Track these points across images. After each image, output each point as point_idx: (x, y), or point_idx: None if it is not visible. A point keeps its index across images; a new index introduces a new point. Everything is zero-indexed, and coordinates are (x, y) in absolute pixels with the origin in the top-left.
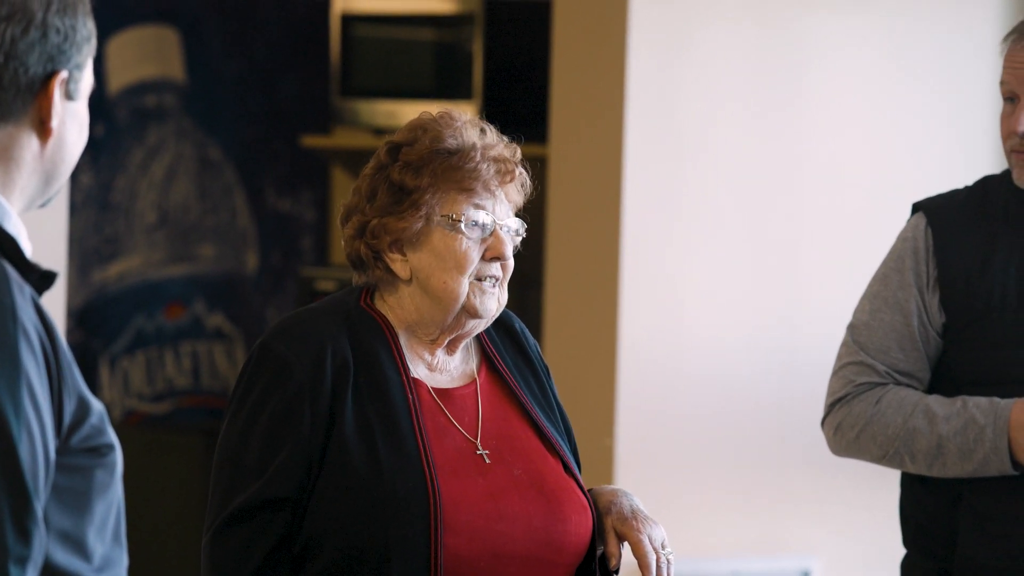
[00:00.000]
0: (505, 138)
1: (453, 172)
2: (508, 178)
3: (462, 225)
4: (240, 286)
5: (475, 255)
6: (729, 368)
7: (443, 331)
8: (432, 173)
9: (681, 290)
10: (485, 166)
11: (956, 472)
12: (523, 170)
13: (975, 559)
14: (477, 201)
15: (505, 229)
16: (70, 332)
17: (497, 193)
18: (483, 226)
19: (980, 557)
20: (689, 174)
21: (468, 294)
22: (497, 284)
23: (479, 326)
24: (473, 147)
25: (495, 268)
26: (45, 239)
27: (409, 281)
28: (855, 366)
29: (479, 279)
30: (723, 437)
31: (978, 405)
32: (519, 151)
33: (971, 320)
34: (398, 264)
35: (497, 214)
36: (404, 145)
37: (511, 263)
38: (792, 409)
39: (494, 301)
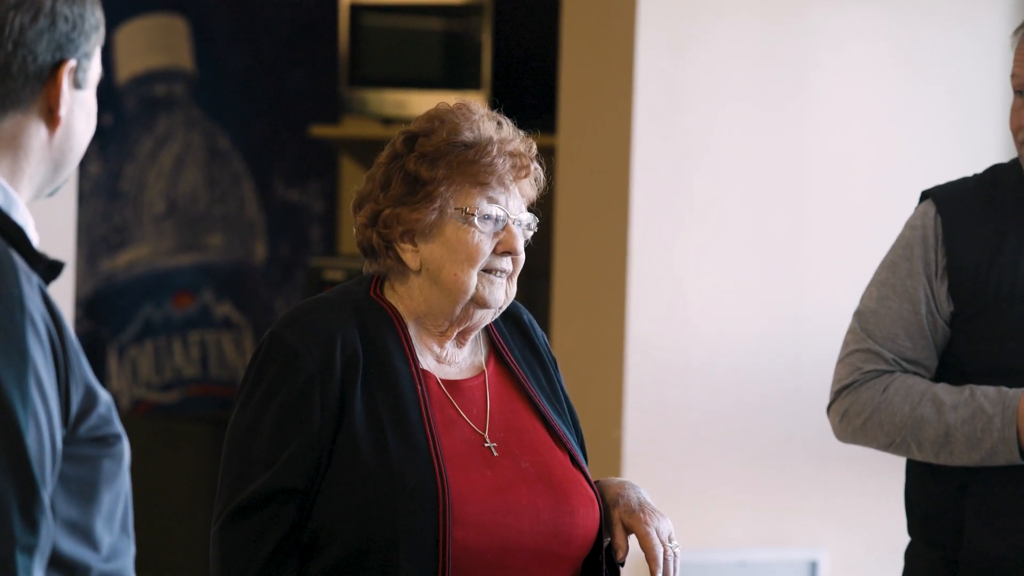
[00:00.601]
0: (521, 132)
1: (469, 165)
2: (523, 173)
3: (475, 218)
4: (248, 276)
5: (487, 248)
6: (736, 360)
7: (452, 323)
8: (448, 165)
9: (689, 282)
10: (501, 160)
11: (963, 461)
12: (538, 165)
13: (982, 550)
14: (491, 195)
15: (517, 223)
16: (78, 321)
17: (511, 187)
18: (496, 220)
19: (987, 548)
20: (697, 165)
21: (477, 285)
22: (506, 276)
23: (487, 317)
24: (490, 141)
25: (505, 262)
26: (53, 228)
27: (419, 272)
28: (862, 353)
29: (487, 271)
30: (730, 429)
31: (986, 394)
32: (535, 146)
33: (980, 309)
34: (409, 254)
35: (510, 208)
36: (420, 135)
37: (522, 257)
38: (799, 401)
39: (502, 292)
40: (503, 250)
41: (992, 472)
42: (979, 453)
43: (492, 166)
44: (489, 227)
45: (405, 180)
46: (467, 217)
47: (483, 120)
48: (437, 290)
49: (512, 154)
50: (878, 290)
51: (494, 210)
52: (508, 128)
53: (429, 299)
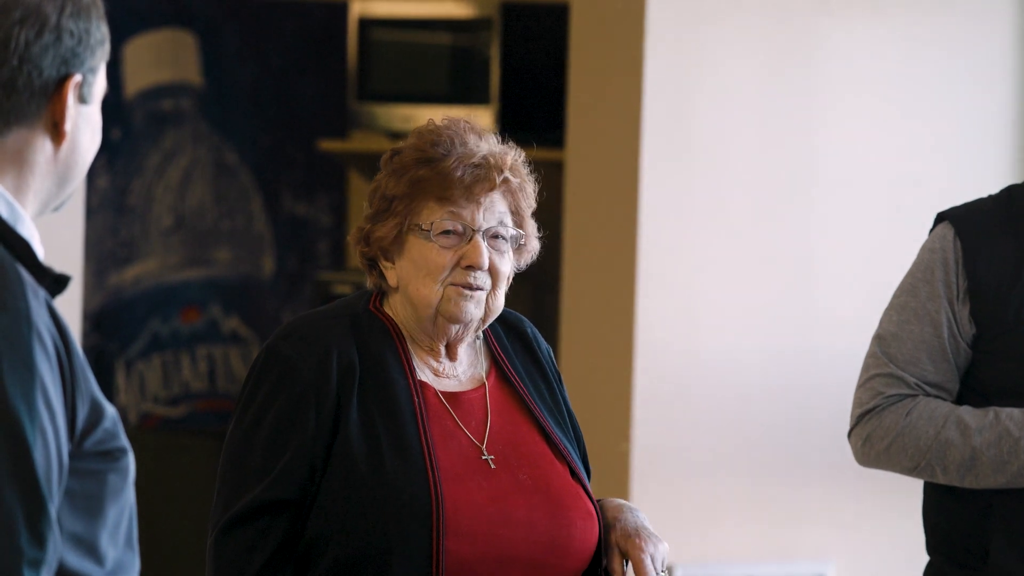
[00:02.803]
0: (508, 146)
1: (428, 180)
2: (488, 185)
3: (431, 233)
4: (256, 290)
5: (448, 263)
6: (744, 373)
7: (432, 338)
8: (409, 181)
9: (697, 294)
10: (461, 172)
11: (989, 484)
12: (517, 176)
13: (1008, 570)
14: (453, 209)
15: (498, 237)
16: (86, 335)
17: (483, 200)
18: (459, 233)
19: (1013, 569)
20: (705, 179)
21: (443, 299)
22: (482, 291)
23: (467, 331)
24: (453, 155)
25: (474, 276)
26: (61, 242)
27: (397, 289)
28: (884, 378)
29: (457, 284)
30: (738, 442)
31: (1011, 417)
32: (511, 156)
33: (1002, 331)
34: (389, 271)
35: (478, 221)
36: (397, 153)
37: (503, 270)
38: (807, 414)
39: (473, 305)
40: (466, 264)
41: (1017, 492)
42: (1005, 476)
43: (451, 179)
44: (451, 241)
45: (379, 198)
46: (425, 232)
47: (460, 134)
48: (411, 306)
49: (477, 165)
50: (898, 314)
51: (453, 224)
52: (489, 141)
53: (409, 315)
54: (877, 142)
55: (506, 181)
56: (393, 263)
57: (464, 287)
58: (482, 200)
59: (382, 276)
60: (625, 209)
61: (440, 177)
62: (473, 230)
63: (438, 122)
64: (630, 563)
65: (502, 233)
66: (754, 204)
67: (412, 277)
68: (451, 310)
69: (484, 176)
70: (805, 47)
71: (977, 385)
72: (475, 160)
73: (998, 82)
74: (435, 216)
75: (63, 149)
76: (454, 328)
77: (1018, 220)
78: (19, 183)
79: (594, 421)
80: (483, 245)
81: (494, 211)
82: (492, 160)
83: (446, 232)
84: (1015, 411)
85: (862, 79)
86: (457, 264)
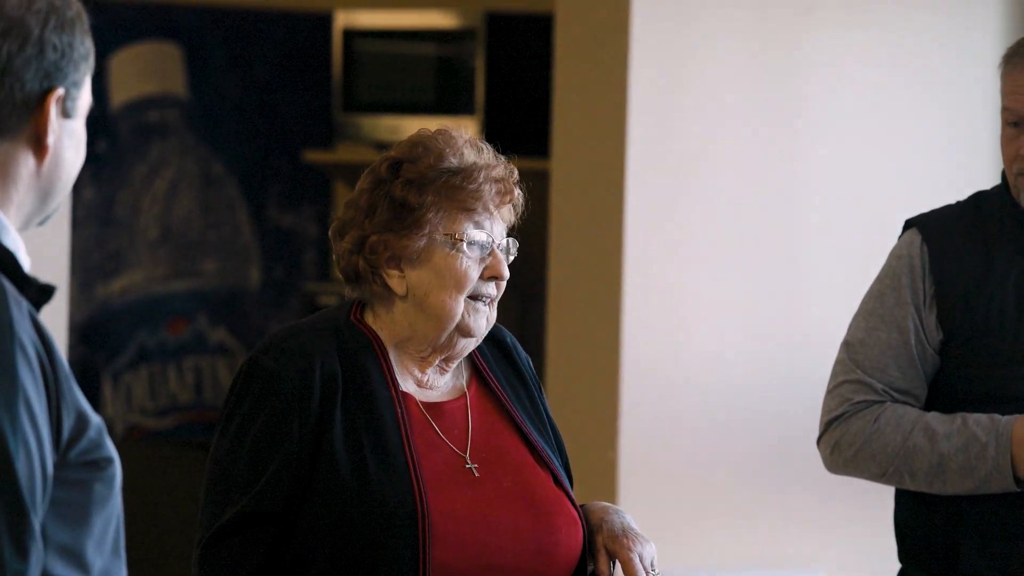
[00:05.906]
0: (502, 157)
1: (456, 191)
2: (508, 198)
3: (463, 244)
4: (242, 301)
5: (474, 274)
6: (732, 381)
7: (434, 349)
8: (435, 191)
9: (683, 304)
10: (487, 186)
11: (957, 489)
12: (519, 190)
13: None
14: (477, 220)
15: (502, 248)
16: (72, 347)
17: (495, 213)
18: (482, 245)
19: (982, 574)
20: (691, 188)
21: (463, 313)
22: (490, 303)
23: (470, 346)
24: (475, 167)
25: (491, 287)
26: (47, 254)
27: (405, 297)
28: (852, 384)
29: (473, 298)
30: (726, 450)
31: (978, 422)
32: (516, 171)
33: (969, 337)
34: (395, 280)
35: (495, 234)
36: (405, 162)
37: (504, 282)
38: (795, 422)
39: (484, 320)
40: (490, 275)
41: (986, 498)
42: (973, 481)
43: (479, 192)
44: (476, 253)
45: (391, 206)
46: (455, 243)
47: (466, 146)
48: (423, 316)
49: (497, 180)
50: (866, 320)
51: (480, 235)
52: (489, 153)
53: (414, 324)
54: (863, 149)
55: (517, 195)
56: (402, 271)
57: (480, 300)
58: (495, 212)
59: (384, 284)
60: (610, 218)
61: (467, 188)
62: (494, 241)
63: (433, 132)
64: (618, 564)
65: (507, 245)
66: (740, 213)
67: (434, 287)
68: (469, 324)
69: (505, 189)
70: (790, 56)
71: (946, 390)
72: (496, 174)
73: (983, 91)
74: (461, 226)
75: (46, 163)
76: (463, 342)
77: (985, 226)
78: (2, 196)
79: (581, 429)
80: (502, 256)
81: (501, 223)
82: (507, 173)
83: (473, 243)
84: (982, 417)
85: (847, 89)
86: (480, 275)
